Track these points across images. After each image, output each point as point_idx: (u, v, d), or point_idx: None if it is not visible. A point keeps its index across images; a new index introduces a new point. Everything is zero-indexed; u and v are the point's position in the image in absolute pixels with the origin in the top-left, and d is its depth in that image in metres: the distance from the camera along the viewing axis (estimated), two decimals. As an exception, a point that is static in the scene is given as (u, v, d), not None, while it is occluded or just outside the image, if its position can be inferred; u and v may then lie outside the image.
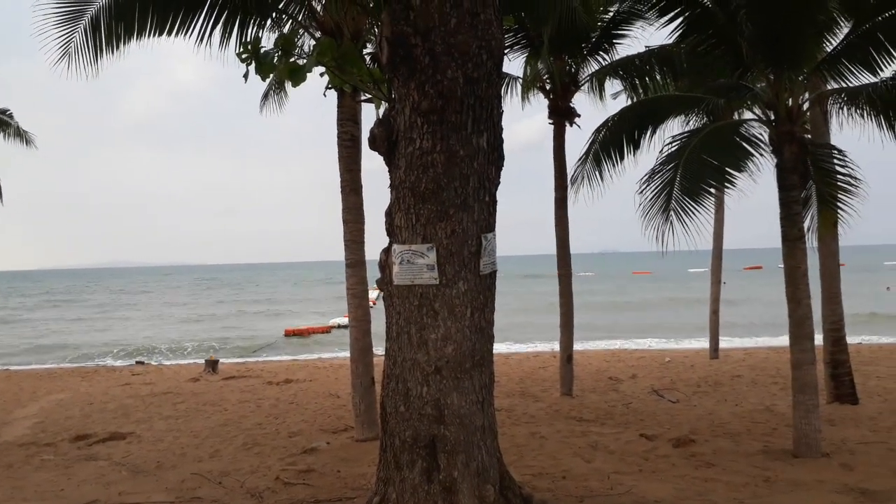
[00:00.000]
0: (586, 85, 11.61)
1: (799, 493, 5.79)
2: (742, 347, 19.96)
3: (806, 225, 8.16)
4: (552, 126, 11.44)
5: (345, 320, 11.54)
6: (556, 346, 12.25)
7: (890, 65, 7.09)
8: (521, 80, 11.97)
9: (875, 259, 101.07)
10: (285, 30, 7.84)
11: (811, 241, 8.35)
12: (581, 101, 19.34)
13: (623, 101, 11.16)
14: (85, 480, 6.86)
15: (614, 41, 11.17)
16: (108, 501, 6.04)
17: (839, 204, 7.73)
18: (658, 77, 10.41)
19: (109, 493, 6.33)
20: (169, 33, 7.27)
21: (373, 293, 8.22)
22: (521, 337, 24.95)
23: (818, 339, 7.83)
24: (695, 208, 7.34)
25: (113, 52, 7.54)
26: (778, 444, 7.56)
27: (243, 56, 5.03)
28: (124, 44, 7.47)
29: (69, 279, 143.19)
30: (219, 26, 7.30)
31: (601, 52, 11.30)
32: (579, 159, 10.53)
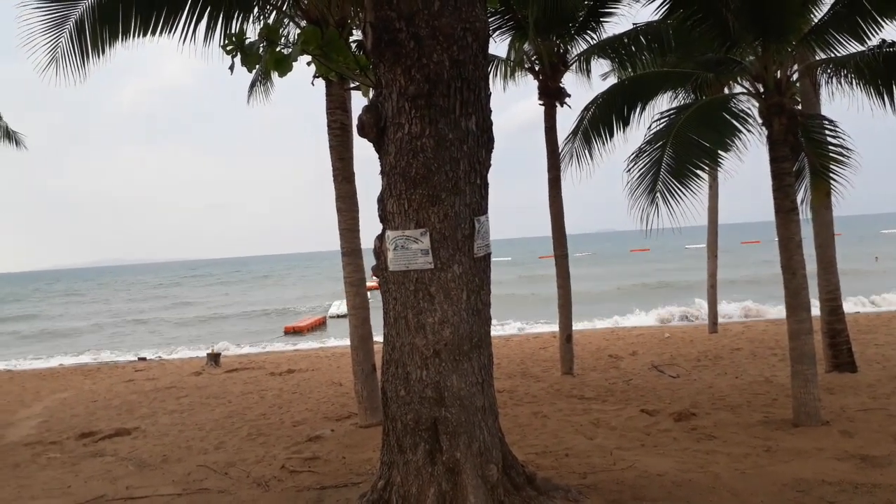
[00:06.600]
0: (575, 65, 11.58)
1: (799, 461, 5.84)
2: (741, 321, 20.04)
3: (800, 197, 8.19)
4: (542, 107, 11.43)
5: (344, 309, 11.58)
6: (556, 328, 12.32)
7: (877, 32, 7.04)
8: (508, 62, 11.93)
9: (873, 227, 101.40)
10: (270, 20, 7.81)
11: (805, 213, 8.37)
12: (571, 81, 19.28)
13: (612, 82, 11.15)
14: (92, 476, 6.91)
15: (601, 20, 11.09)
16: (115, 496, 6.09)
17: (831, 174, 7.76)
18: (646, 54, 10.36)
19: (117, 487, 6.39)
20: (153, 33, 7.27)
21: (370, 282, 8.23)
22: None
23: (815, 309, 7.86)
24: (681, 190, 7.35)
25: (99, 55, 7.57)
26: (778, 415, 7.62)
27: (228, 48, 5.02)
28: (110, 46, 7.49)
29: (63, 280, 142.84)
30: (203, 22, 7.29)
31: (589, 32, 11.25)
32: (567, 137, 10.54)
